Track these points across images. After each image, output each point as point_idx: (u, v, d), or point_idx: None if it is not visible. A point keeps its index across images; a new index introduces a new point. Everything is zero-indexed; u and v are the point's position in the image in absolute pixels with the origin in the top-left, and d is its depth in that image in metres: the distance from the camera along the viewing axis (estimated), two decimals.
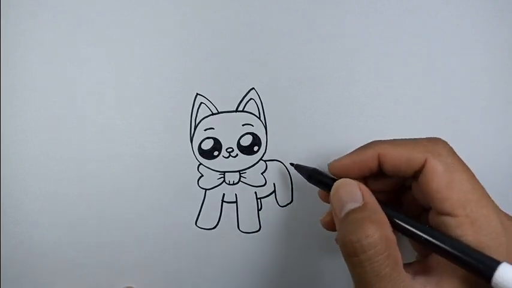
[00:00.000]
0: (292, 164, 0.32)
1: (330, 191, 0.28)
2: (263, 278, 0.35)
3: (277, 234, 0.35)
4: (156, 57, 0.33)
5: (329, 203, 0.29)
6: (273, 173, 0.34)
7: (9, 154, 0.33)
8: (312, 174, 0.30)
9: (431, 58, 0.33)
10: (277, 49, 0.33)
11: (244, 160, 0.34)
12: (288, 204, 0.35)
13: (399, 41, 0.33)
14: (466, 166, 0.25)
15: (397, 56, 0.33)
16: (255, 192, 0.34)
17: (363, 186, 0.27)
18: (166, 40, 0.33)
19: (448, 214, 0.24)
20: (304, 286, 0.36)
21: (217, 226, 0.35)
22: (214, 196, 0.34)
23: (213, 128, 0.33)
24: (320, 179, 0.29)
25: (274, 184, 0.34)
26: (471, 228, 0.24)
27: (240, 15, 0.33)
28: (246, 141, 0.34)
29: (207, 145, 0.34)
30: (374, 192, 0.27)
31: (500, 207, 0.26)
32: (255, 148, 0.34)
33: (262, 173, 0.34)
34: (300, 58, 0.33)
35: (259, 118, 0.34)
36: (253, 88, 0.33)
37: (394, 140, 0.27)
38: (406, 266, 0.25)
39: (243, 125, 0.34)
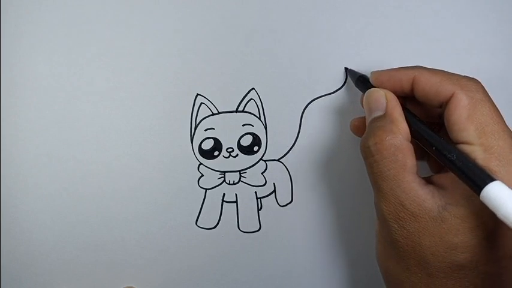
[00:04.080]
0: (346, 69, 0.33)
1: None
2: (263, 278, 0.35)
3: (277, 234, 0.35)
4: (157, 58, 0.33)
5: (356, 134, 0.32)
6: (273, 173, 0.34)
7: (9, 154, 0.33)
8: (359, 79, 0.31)
9: (431, 58, 0.33)
10: (277, 49, 0.33)
11: (244, 160, 0.34)
12: (288, 204, 0.35)
13: (399, 41, 0.33)
14: (494, 106, 0.26)
15: (396, 56, 0.33)
16: (255, 192, 0.34)
17: (390, 96, 0.28)
18: (167, 40, 0.33)
19: (464, 142, 0.25)
20: (304, 286, 0.36)
21: (217, 226, 0.35)
22: (214, 196, 0.34)
23: (213, 128, 0.33)
24: (364, 85, 0.30)
25: (274, 184, 0.34)
26: (483, 154, 0.24)
27: (240, 15, 0.33)
28: (246, 141, 0.34)
29: (207, 145, 0.34)
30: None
31: None
32: (255, 148, 0.34)
33: (262, 173, 0.34)
34: (300, 58, 0.33)
35: (259, 118, 0.34)
36: (253, 88, 0.33)
37: (431, 68, 0.28)
38: (424, 178, 0.27)
39: (243, 125, 0.34)
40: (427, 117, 0.30)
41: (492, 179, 0.22)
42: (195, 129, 0.33)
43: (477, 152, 0.25)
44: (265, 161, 0.34)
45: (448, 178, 0.26)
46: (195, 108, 0.33)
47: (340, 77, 0.33)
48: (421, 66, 0.28)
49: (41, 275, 0.35)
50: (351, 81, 0.33)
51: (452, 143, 0.26)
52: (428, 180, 0.27)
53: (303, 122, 0.34)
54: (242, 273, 0.35)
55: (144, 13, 0.33)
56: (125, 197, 0.34)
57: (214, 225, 0.35)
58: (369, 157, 0.27)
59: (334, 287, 0.36)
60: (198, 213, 0.34)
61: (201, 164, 0.34)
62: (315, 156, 0.34)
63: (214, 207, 0.34)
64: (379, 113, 0.28)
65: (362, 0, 0.33)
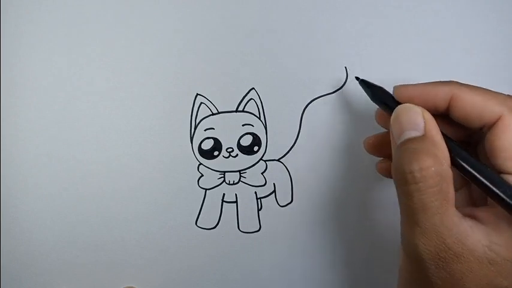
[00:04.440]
0: (357, 78, 0.30)
1: (391, 113, 0.26)
2: (263, 278, 0.35)
3: (277, 234, 0.35)
4: (156, 57, 0.33)
5: (384, 126, 0.28)
6: (273, 173, 0.34)
7: (9, 154, 0.33)
8: (376, 93, 0.28)
9: (431, 58, 0.33)
10: (277, 49, 0.33)
11: (244, 160, 0.34)
12: (288, 204, 0.35)
13: (399, 41, 0.33)
14: None
15: (396, 56, 0.33)
16: (255, 192, 0.34)
17: (428, 115, 0.25)
18: (167, 40, 0.33)
19: (510, 173, 0.23)
20: (304, 286, 0.36)
21: (217, 226, 0.35)
22: (214, 196, 0.34)
23: (213, 128, 0.33)
24: (384, 99, 0.28)
25: (274, 184, 0.34)
26: None
27: (240, 15, 0.33)
28: (246, 141, 0.34)
29: (207, 145, 0.34)
30: None
31: None
32: (255, 148, 0.34)
33: (262, 173, 0.34)
34: (300, 58, 0.33)
35: (259, 118, 0.34)
36: (253, 88, 0.33)
37: (473, 85, 0.25)
38: (459, 209, 0.24)
39: (243, 125, 0.34)
40: (456, 136, 0.27)
41: None
42: (195, 129, 0.33)
43: None
44: (265, 161, 0.34)
45: (490, 212, 0.23)
46: (194, 108, 0.33)
47: (340, 76, 0.33)
48: (458, 82, 0.26)
49: (41, 275, 0.35)
50: (351, 81, 0.33)
51: (497, 172, 0.24)
52: (463, 213, 0.24)
53: (303, 122, 0.34)
54: (242, 273, 0.35)
55: (144, 13, 0.33)
56: (125, 197, 0.34)
57: (214, 226, 0.35)
58: (410, 184, 0.23)
59: (333, 287, 0.36)
60: (198, 214, 0.34)
61: (200, 164, 0.34)
62: (315, 156, 0.34)
63: (214, 208, 0.34)
64: (416, 134, 0.24)
65: (362, 0, 0.33)
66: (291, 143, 0.34)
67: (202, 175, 0.34)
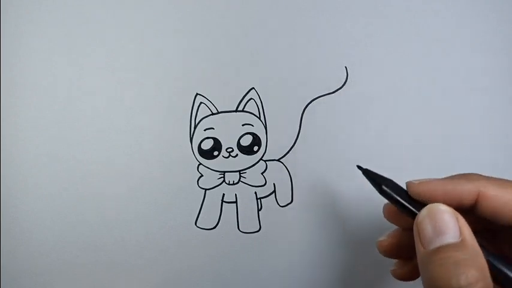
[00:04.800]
0: (360, 168, 0.26)
1: (409, 212, 0.24)
2: (263, 278, 0.35)
3: (277, 234, 0.35)
4: (156, 57, 0.33)
5: (395, 223, 0.26)
6: (273, 173, 0.34)
7: (9, 154, 0.33)
8: (385, 187, 0.25)
9: (431, 58, 0.33)
10: (277, 49, 0.33)
11: (244, 160, 0.34)
12: (288, 204, 0.34)
13: (399, 41, 0.33)
14: None
15: (396, 56, 0.33)
16: (255, 192, 0.34)
17: (462, 219, 0.22)
18: (166, 40, 0.33)
19: None
20: (304, 286, 0.36)
21: (217, 226, 0.35)
22: (214, 196, 0.34)
23: (213, 128, 0.33)
24: (396, 194, 0.24)
25: (274, 184, 0.34)
26: None
27: (240, 15, 0.33)
28: (246, 141, 0.34)
29: (207, 145, 0.34)
30: None
31: None
32: (255, 148, 0.34)
33: (262, 173, 0.34)
34: (300, 58, 0.33)
35: (259, 118, 0.33)
36: (253, 88, 0.33)
37: (499, 179, 0.23)
38: None
39: (243, 125, 0.33)
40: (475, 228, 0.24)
41: None
42: (195, 129, 0.33)
43: None
44: (265, 161, 0.34)
45: None
46: (194, 108, 0.33)
47: (341, 76, 0.33)
48: (483, 177, 0.24)
49: (41, 275, 0.35)
50: (351, 81, 0.33)
51: None
52: None
53: (303, 122, 0.33)
54: (242, 273, 0.35)
55: (144, 13, 0.33)
56: (125, 197, 0.34)
57: (214, 226, 0.35)
58: None
59: (334, 287, 0.36)
60: (197, 214, 0.34)
61: (200, 164, 0.34)
62: (315, 156, 0.34)
63: (214, 208, 0.34)
64: (452, 240, 0.21)
65: (362, 0, 0.33)
66: (291, 143, 0.34)
67: (202, 175, 0.34)
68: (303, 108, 0.33)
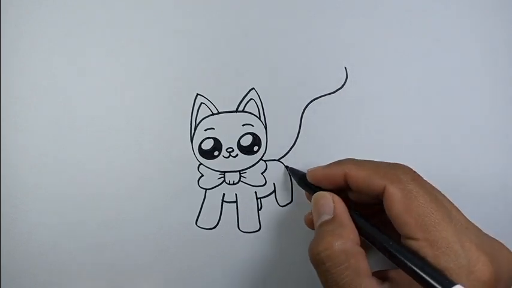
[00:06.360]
0: (286, 167, 0.34)
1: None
2: (263, 277, 0.35)
3: (277, 234, 0.35)
4: (157, 58, 0.33)
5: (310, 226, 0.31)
6: (273, 173, 0.34)
7: (9, 154, 0.33)
8: (302, 179, 0.31)
9: (431, 58, 0.33)
10: (277, 49, 0.33)
11: (244, 160, 0.34)
12: (288, 204, 0.35)
13: (399, 41, 0.33)
14: (429, 190, 0.26)
15: (396, 56, 0.33)
16: (255, 192, 0.34)
17: (337, 199, 0.28)
18: (166, 40, 0.33)
19: (409, 237, 0.25)
20: (304, 286, 0.36)
21: (217, 226, 0.35)
22: (214, 196, 0.34)
23: (213, 128, 0.33)
24: (308, 185, 0.31)
25: (274, 184, 0.34)
26: (431, 250, 0.24)
27: (240, 15, 0.33)
28: (246, 141, 0.34)
29: (207, 145, 0.34)
30: (358, 203, 0.29)
31: (493, 213, 0.26)
32: (255, 148, 0.34)
33: (262, 173, 0.34)
34: (300, 58, 0.33)
35: (259, 118, 0.34)
36: (253, 88, 0.33)
37: (361, 161, 0.28)
38: (380, 272, 0.27)
39: (243, 125, 0.34)
40: (367, 201, 0.29)
41: (452, 283, 0.22)
42: (195, 129, 0.33)
43: (425, 249, 0.24)
44: (265, 161, 0.34)
45: (403, 274, 0.25)
46: (195, 108, 0.33)
47: (340, 76, 0.33)
48: (351, 160, 0.29)
49: (41, 275, 0.35)
50: (351, 81, 0.33)
51: (400, 240, 0.25)
52: (384, 276, 0.26)
53: (303, 122, 0.34)
54: (242, 273, 0.35)
55: (144, 13, 0.33)
56: (125, 197, 0.34)
57: (214, 225, 0.35)
58: (320, 265, 0.25)
59: None
60: (198, 213, 0.34)
61: (201, 164, 0.34)
62: (315, 156, 0.34)
63: (214, 207, 0.34)
64: (327, 217, 0.27)
65: (362, 0, 0.33)
66: (291, 143, 0.34)
67: (202, 175, 0.34)
68: (303, 108, 0.33)
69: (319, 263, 0.25)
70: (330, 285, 0.25)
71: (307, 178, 0.30)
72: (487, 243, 0.25)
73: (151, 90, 0.33)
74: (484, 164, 0.34)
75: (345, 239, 0.26)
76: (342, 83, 0.33)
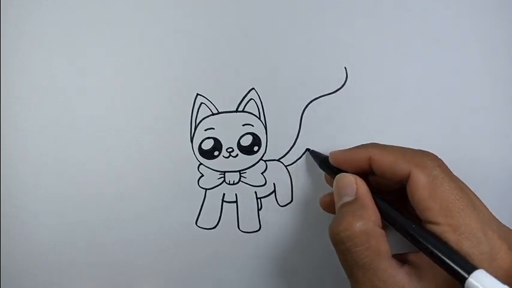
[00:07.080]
0: (308, 150, 0.33)
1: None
2: (263, 277, 0.35)
3: (277, 234, 0.35)
4: (157, 58, 0.33)
5: (327, 210, 0.32)
6: (273, 173, 0.34)
7: (9, 154, 0.33)
8: (323, 161, 0.31)
9: (431, 58, 0.33)
10: (277, 49, 0.33)
11: (244, 160, 0.34)
12: (288, 204, 0.35)
13: (399, 41, 0.33)
14: (454, 178, 0.26)
15: (396, 56, 0.33)
16: (255, 192, 0.34)
17: (360, 181, 0.28)
18: (167, 40, 0.33)
19: (431, 222, 0.25)
20: (304, 286, 0.36)
21: (217, 226, 0.35)
22: (214, 196, 0.34)
23: (213, 128, 0.33)
24: (330, 167, 0.31)
25: (274, 184, 0.34)
26: (453, 236, 0.24)
27: (240, 15, 0.33)
28: (246, 141, 0.34)
29: (207, 145, 0.34)
30: (377, 188, 0.28)
31: (495, 214, 0.26)
32: (255, 148, 0.34)
33: (262, 173, 0.34)
34: (300, 58, 0.33)
35: (259, 118, 0.34)
36: (253, 88, 0.33)
37: (386, 145, 0.28)
38: (401, 255, 0.27)
39: (243, 125, 0.34)
40: (389, 187, 0.30)
41: (474, 267, 0.22)
42: (195, 129, 0.33)
43: (447, 234, 0.24)
44: (265, 161, 0.34)
45: (423, 257, 0.25)
46: (195, 108, 0.33)
47: (340, 76, 0.33)
48: (376, 144, 0.29)
49: (41, 275, 0.35)
50: (351, 81, 0.33)
51: (422, 224, 0.25)
52: (403, 259, 0.26)
53: (303, 122, 0.34)
54: (242, 273, 0.35)
55: (144, 13, 0.33)
56: (125, 197, 0.34)
57: (214, 225, 0.35)
58: (340, 244, 0.26)
59: (333, 287, 0.36)
60: (198, 213, 0.34)
61: (201, 164, 0.34)
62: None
63: (214, 207, 0.34)
64: (349, 198, 0.27)
65: (362, 0, 0.33)
66: (291, 143, 0.34)
67: (202, 175, 0.34)
68: (303, 108, 0.33)
69: (339, 242, 0.26)
70: (349, 264, 0.26)
71: (330, 160, 0.30)
72: (509, 235, 0.26)
73: (151, 90, 0.33)
74: (484, 164, 0.34)
75: (366, 220, 0.26)
76: (342, 83, 0.33)
